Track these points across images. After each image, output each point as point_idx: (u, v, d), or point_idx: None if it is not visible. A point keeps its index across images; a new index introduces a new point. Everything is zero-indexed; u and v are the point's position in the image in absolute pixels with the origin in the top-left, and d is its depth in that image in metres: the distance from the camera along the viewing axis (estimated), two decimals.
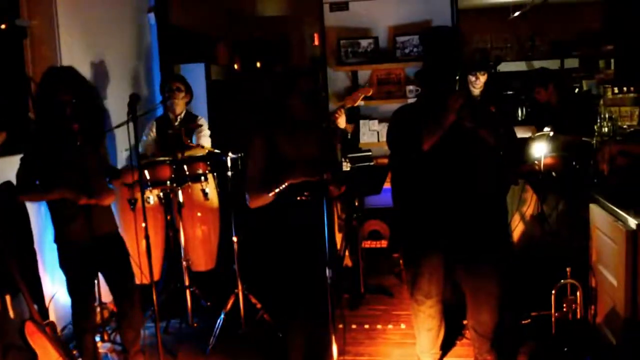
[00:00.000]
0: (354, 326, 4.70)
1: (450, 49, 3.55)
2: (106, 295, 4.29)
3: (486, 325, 3.71)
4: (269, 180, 3.30)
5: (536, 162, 4.60)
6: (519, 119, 7.06)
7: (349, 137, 6.33)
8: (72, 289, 3.71)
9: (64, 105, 3.50)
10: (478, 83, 5.17)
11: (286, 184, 3.27)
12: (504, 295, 3.64)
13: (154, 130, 5.27)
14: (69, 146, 3.58)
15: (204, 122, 5.42)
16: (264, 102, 3.55)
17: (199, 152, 5.03)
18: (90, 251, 3.67)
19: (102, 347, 4.25)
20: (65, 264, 3.70)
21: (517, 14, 8.08)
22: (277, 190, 3.28)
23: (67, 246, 3.68)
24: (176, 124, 5.22)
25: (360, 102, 5.47)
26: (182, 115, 5.32)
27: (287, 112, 3.40)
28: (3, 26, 4.38)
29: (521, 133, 5.22)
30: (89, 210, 3.60)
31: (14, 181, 3.91)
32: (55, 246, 3.70)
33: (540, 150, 4.59)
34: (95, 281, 3.98)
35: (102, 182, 3.64)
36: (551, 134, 4.72)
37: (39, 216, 4.25)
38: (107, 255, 3.76)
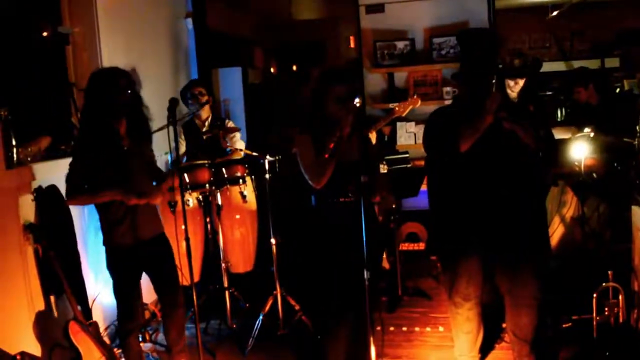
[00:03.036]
0: (392, 328, 4.69)
1: (486, 51, 3.53)
2: (147, 297, 4.35)
3: (525, 329, 3.67)
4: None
5: (576, 163, 4.55)
6: (559, 119, 6.98)
7: (386, 139, 6.33)
8: (118, 291, 3.78)
9: (120, 92, 3.54)
10: (516, 87, 5.11)
11: (337, 135, 3.30)
12: (544, 299, 3.61)
13: (183, 137, 5.33)
14: (115, 149, 3.64)
15: (231, 123, 5.48)
16: (301, 106, 3.58)
17: (236, 155, 5.09)
18: (136, 253, 3.73)
19: (144, 347, 4.31)
20: (112, 266, 3.76)
21: (555, 13, 8.00)
22: (333, 146, 3.29)
23: (114, 249, 3.73)
24: (204, 128, 5.28)
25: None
26: (209, 119, 5.37)
27: (324, 116, 3.43)
28: (46, 33, 4.47)
29: (561, 134, 5.16)
30: (135, 214, 3.66)
31: (59, 185, 4.01)
32: (99, 248, 3.77)
33: (581, 152, 4.54)
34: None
35: (149, 183, 3.69)
36: (592, 134, 4.66)
37: (82, 218, 4.34)
38: (152, 257, 3.81)
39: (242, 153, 5.12)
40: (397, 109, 5.08)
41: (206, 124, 5.34)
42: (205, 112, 5.35)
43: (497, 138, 3.40)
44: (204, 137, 5.22)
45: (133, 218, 3.66)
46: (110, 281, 3.79)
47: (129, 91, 3.59)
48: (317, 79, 3.53)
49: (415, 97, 4.87)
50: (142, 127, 3.73)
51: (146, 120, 3.76)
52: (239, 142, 5.44)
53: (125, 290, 3.78)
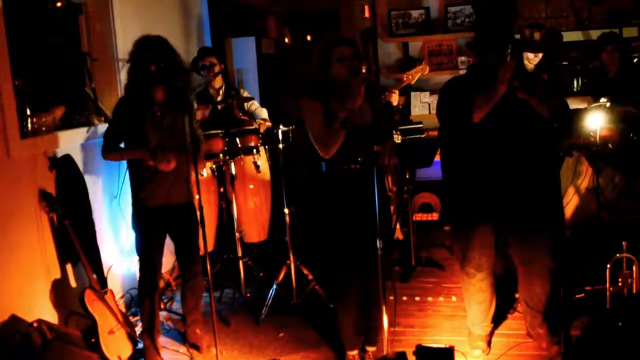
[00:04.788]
0: (404, 298, 4.72)
1: (502, 17, 3.48)
2: (163, 266, 4.39)
3: (538, 299, 3.68)
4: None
5: (592, 133, 4.50)
6: (575, 89, 6.90)
7: (400, 107, 6.29)
8: (139, 250, 3.86)
9: (149, 63, 3.60)
10: (536, 60, 5.05)
11: (349, 106, 3.30)
12: (557, 269, 3.60)
13: (195, 105, 5.31)
14: (147, 115, 3.71)
15: (246, 93, 5.47)
16: (311, 74, 3.57)
17: (261, 126, 5.09)
18: (159, 216, 3.79)
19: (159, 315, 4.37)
20: (136, 224, 3.85)
21: None
22: (343, 117, 3.29)
23: (139, 208, 3.81)
24: (219, 98, 5.27)
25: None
26: (223, 88, 5.36)
27: (330, 79, 3.42)
28: (59, 3, 4.47)
29: (577, 104, 5.11)
30: (161, 178, 3.72)
31: (74, 154, 4.04)
32: (113, 217, 3.81)
33: (597, 122, 4.49)
34: None
35: (169, 150, 3.71)
36: (608, 104, 4.60)
37: (96, 188, 4.38)
38: (175, 223, 3.87)
39: (267, 124, 5.12)
40: (405, 77, 5.04)
41: (220, 92, 5.32)
42: (218, 82, 5.32)
43: (510, 108, 3.37)
44: (218, 106, 5.21)
45: (158, 181, 3.72)
46: (124, 250, 3.84)
47: (161, 63, 3.62)
48: (320, 42, 3.52)
49: (423, 64, 4.82)
50: (177, 97, 3.76)
51: (182, 91, 3.81)
52: (261, 111, 5.42)
53: (147, 250, 3.84)
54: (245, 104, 5.34)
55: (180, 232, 3.92)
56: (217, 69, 5.22)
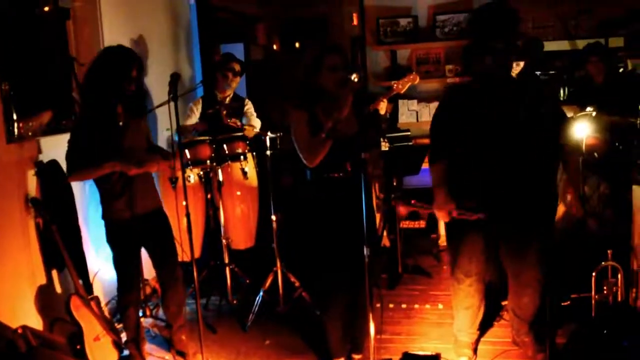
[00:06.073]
0: (391, 305, 4.72)
1: (506, 29, 3.44)
2: (148, 272, 4.38)
3: (526, 309, 3.70)
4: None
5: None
6: (561, 98, 6.95)
7: (388, 116, 6.30)
8: (117, 264, 3.79)
9: (130, 82, 3.56)
10: (517, 69, 5.07)
11: (336, 116, 3.29)
12: (546, 280, 3.61)
13: (198, 108, 5.30)
14: (111, 126, 3.63)
15: (250, 104, 5.47)
16: (299, 81, 3.57)
17: (248, 132, 5.10)
18: (135, 227, 3.73)
19: (145, 322, 4.35)
20: (111, 240, 3.77)
21: None
22: (329, 127, 3.29)
23: (113, 223, 3.74)
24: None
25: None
26: (230, 97, 5.36)
27: (319, 88, 3.42)
28: (47, 8, 4.45)
29: None
30: (133, 187, 3.67)
31: (60, 160, 4.01)
32: (99, 223, 3.78)
33: (583, 131, 4.51)
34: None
35: (145, 154, 3.70)
36: (594, 114, 4.63)
37: (83, 193, 4.35)
38: (150, 232, 3.82)
39: (253, 130, 5.14)
40: (395, 86, 5.05)
41: (227, 99, 5.32)
42: (231, 89, 5.33)
43: (504, 120, 3.37)
44: (208, 111, 5.20)
45: (131, 192, 3.67)
46: (111, 256, 3.81)
47: (138, 78, 3.61)
48: (311, 50, 3.52)
49: (414, 73, 4.83)
50: (138, 104, 3.75)
51: (142, 98, 3.79)
52: (256, 120, 5.43)
53: (125, 264, 3.79)
54: (247, 112, 5.40)
55: (154, 239, 3.87)
56: (237, 78, 5.28)
